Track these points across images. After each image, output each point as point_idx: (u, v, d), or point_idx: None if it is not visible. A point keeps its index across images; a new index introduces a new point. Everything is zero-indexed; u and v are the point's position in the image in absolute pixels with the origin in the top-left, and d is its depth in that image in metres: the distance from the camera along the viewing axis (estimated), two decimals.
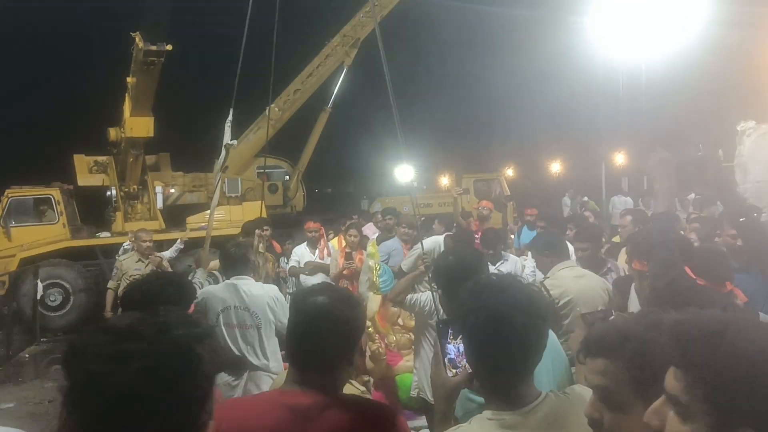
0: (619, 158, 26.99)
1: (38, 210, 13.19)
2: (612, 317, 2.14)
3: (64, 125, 29.75)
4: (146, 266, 7.39)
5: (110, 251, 11.84)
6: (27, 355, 10.30)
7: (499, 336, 1.59)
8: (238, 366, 4.25)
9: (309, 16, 22.43)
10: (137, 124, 12.83)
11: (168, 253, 9.43)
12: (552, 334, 2.12)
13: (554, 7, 16.82)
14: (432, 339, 4.05)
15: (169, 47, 11.12)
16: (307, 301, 1.90)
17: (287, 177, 18.63)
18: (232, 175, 16.05)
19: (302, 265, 7.44)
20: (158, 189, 15.00)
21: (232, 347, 4.23)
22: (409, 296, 4.20)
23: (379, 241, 7.47)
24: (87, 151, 15.24)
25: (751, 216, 3.70)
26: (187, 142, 19.67)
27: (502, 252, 6.29)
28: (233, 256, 4.56)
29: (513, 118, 33.00)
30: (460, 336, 1.76)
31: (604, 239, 6.60)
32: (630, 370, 1.37)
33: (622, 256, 5.11)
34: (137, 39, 11.47)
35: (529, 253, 5.93)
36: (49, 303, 11.95)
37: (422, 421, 4.75)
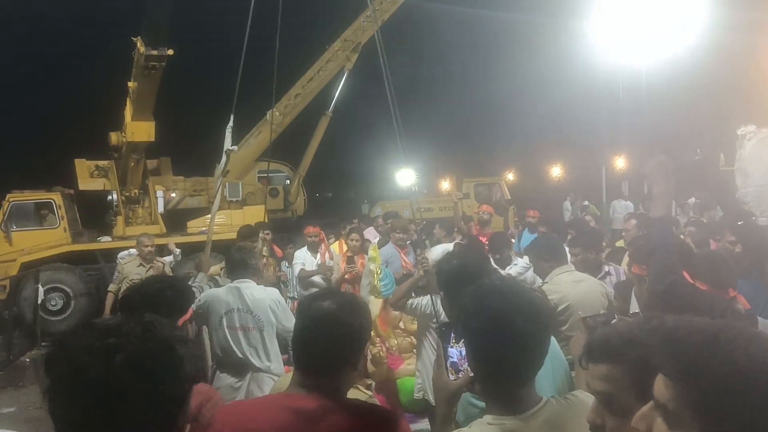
0: (620, 162, 27.02)
1: (39, 214, 13.19)
2: (614, 320, 2.13)
3: (66, 130, 29.78)
4: (147, 271, 7.41)
5: (111, 256, 11.83)
6: (28, 360, 10.28)
7: (501, 340, 1.60)
8: (241, 368, 4.29)
9: (310, 21, 22.49)
10: (138, 129, 12.85)
11: (170, 258, 9.44)
12: (552, 339, 2.12)
13: (554, 11, 16.85)
14: (434, 342, 4.05)
15: (170, 52, 11.14)
16: (313, 306, 1.90)
17: (288, 181, 18.66)
18: (233, 179, 16.07)
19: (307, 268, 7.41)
20: (159, 193, 15.04)
21: (235, 349, 4.27)
22: (410, 301, 4.21)
23: (380, 245, 7.47)
24: (88, 155, 15.27)
25: (750, 219, 3.70)
26: (188, 147, 19.73)
27: (511, 255, 6.28)
28: (235, 259, 4.67)
29: (514, 122, 33.09)
30: (462, 340, 1.77)
31: (605, 243, 6.59)
32: (633, 375, 1.36)
33: (627, 260, 5.10)
34: (139, 44, 11.49)
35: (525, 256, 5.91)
36: (50, 307, 11.93)
37: (423, 424, 4.74)
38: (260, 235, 7.18)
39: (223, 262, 6.15)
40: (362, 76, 18.13)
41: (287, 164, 18.81)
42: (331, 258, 7.41)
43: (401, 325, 5.56)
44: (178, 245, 9.53)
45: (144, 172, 14.70)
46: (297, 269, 7.34)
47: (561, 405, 1.69)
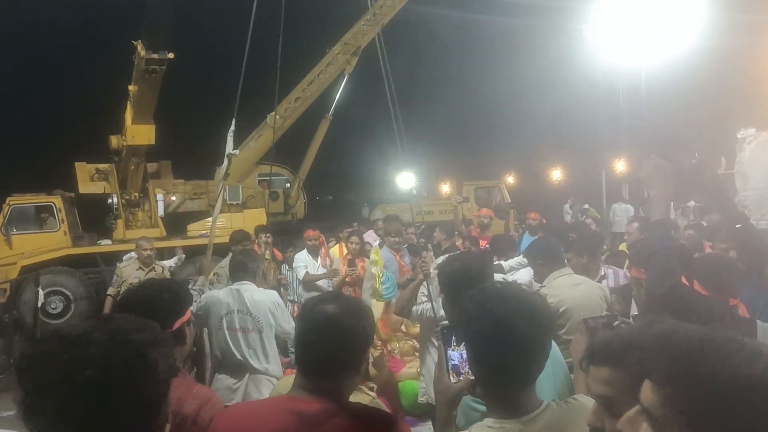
0: (620, 165, 27.01)
1: (39, 218, 13.20)
2: (616, 322, 2.13)
3: (66, 133, 29.79)
4: (146, 274, 7.41)
5: (111, 259, 11.85)
6: None
7: (503, 344, 1.60)
8: (239, 369, 4.30)
9: (310, 24, 22.51)
10: (139, 132, 12.85)
11: (169, 263, 9.45)
12: (552, 342, 2.12)
13: (554, 15, 16.89)
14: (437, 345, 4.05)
15: (170, 55, 11.15)
16: (316, 309, 1.91)
17: (288, 184, 18.67)
18: (233, 182, 16.08)
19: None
20: (159, 197, 15.04)
21: (235, 350, 4.28)
22: (414, 308, 4.21)
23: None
24: (88, 158, 15.28)
25: (748, 223, 3.69)
26: (188, 150, 19.71)
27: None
28: (235, 262, 4.72)
29: (513, 125, 33.08)
30: (464, 343, 1.77)
31: (605, 246, 6.59)
32: (634, 379, 1.36)
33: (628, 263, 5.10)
34: (139, 47, 11.50)
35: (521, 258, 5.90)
36: (50, 311, 11.93)
37: (425, 427, 4.74)
38: (262, 238, 7.18)
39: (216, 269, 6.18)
40: (362, 80, 18.19)
41: (287, 167, 18.83)
42: (331, 261, 7.41)
43: (403, 328, 5.56)
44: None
45: (144, 175, 14.70)
46: (301, 272, 7.32)
47: (561, 408, 1.69)
